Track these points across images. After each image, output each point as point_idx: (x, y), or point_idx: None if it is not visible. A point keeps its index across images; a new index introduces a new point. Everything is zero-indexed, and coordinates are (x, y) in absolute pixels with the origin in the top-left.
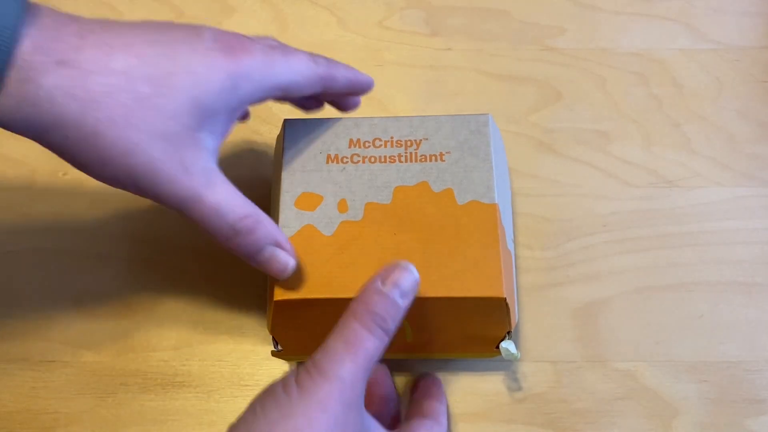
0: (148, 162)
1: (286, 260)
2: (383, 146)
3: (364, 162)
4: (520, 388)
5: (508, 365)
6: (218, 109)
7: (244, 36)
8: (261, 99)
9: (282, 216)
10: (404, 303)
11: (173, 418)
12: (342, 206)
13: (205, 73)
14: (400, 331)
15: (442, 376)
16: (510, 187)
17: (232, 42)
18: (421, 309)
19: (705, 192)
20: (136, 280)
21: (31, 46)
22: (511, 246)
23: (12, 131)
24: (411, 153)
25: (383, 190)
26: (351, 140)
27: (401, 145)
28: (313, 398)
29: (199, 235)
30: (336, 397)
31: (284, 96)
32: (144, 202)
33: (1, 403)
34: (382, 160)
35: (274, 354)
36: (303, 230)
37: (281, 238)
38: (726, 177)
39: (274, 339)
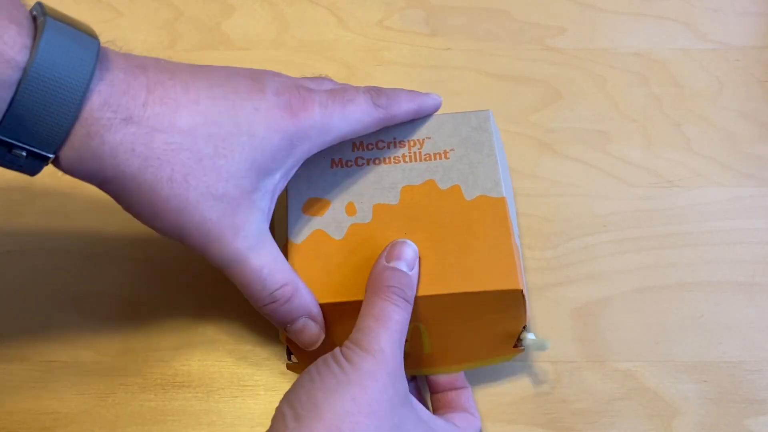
0: (200, 222)
1: (318, 334)
2: (386, 147)
3: (368, 164)
4: (520, 388)
5: (508, 365)
6: (274, 169)
7: (304, 86)
8: (318, 150)
9: (290, 222)
10: (412, 272)
11: (173, 418)
12: (350, 209)
13: (264, 135)
14: (418, 343)
15: None
16: (512, 187)
17: (293, 99)
18: (438, 309)
19: (705, 192)
20: (137, 280)
21: (99, 102)
22: (518, 242)
23: (72, 176)
24: (415, 152)
25: (390, 191)
26: (354, 144)
27: (404, 146)
28: (363, 369)
29: None
30: (381, 367)
31: (343, 140)
32: None
33: (1, 403)
34: (387, 161)
35: (289, 367)
36: (313, 235)
37: (315, 310)
38: (726, 177)
39: (288, 350)
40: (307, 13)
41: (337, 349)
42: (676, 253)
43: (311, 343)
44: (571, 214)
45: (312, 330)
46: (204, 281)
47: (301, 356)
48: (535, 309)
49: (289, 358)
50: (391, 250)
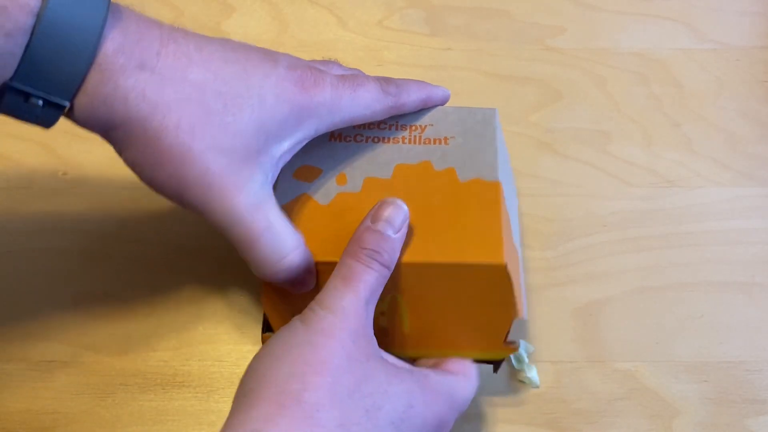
0: (201, 173)
1: (312, 281)
2: (388, 129)
3: (367, 141)
4: (520, 388)
5: (508, 367)
6: (282, 137)
7: (315, 67)
8: (325, 131)
9: (278, 184)
10: (397, 235)
11: (173, 418)
12: (341, 179)
13: (273, 102)
14: (396, 318)
15: None
16: (515, 192)
17: (305, 75)
18: (417, 279)
19: (705, 192)
20: (136, 280)
21: (113, 48)
22: (518, 243)
23: (79, 125)
24: (415, 136)
25: (384, 167)
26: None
27: (406, 129)
28: (317, 328)
29: (199, 236)
30: (339, 326)
31: (351, 125)
32: (143, 203)
33: (1, 403)
34: (386, 141)
35: (264, 340)
36: (298, 199)
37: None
38: (726, 177)
39: (265, 319)
40: (307, 13)
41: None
42: (676, 253)
43: (302, 287)
44: (571, 214)
45: (309, 283)
46: (204, 281)
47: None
48: (535, 309)
49: (266, 330)
50: (378, 210)
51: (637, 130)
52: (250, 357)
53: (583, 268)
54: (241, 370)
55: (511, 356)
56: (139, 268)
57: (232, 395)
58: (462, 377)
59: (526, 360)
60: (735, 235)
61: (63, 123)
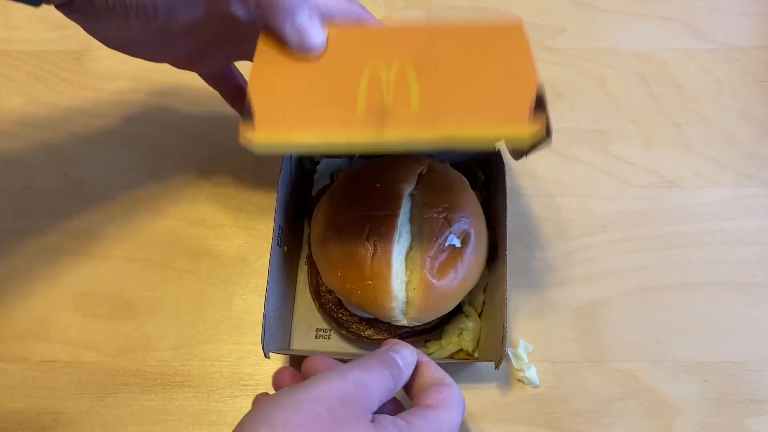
0: None
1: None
2: None
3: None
4: (520, 388)
5: (508, 366)
6: None
7: None
8: None
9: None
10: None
11: (173, 418)
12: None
13: None
14: (403, 94)
15: None
16: None
17: None
18: (430, 46)
19: (705, 192)
20: (136, 280)
21: None
22: None
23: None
24: None
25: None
26: None
27: None
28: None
29: (199, 236)
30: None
31: None
32: (143, 203)
33: (1, 403)
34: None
35: (242, 137)
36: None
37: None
38: (726, 177)
39: (248, 104)
40: None
41: None
42: (676, 253)
43: (311, 47)
44: (571, 214)
45: (318, 33)
46: (204, 281)
47: (263, 114)
48: (536, 309)
49: (246, 116)
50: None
51: (637, 130)
52: (251, 357)
53: (583, 268)
54: (241, 370)
55: (511, 356)
56: (139, 268)
57: (232, 395)
58: (444, 410)
59: (526, 360)
60: (735, 235)
61: (63, 123)
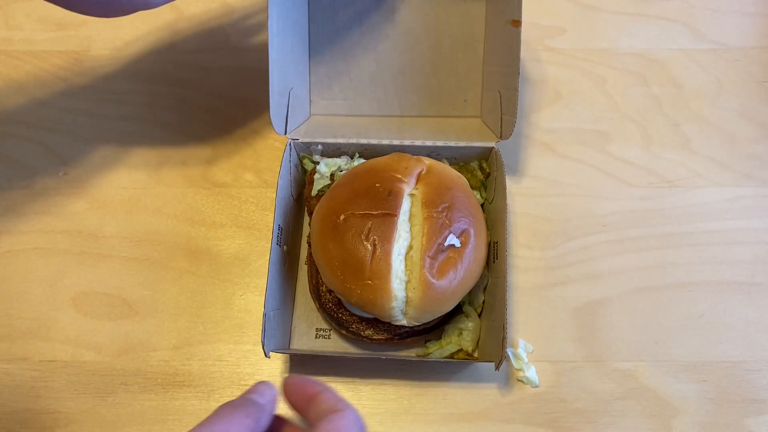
0: None
1: None
2: None
3: None
4: (520, 388)
5: (508, 366)
6: None
7: None
8: None
9: None
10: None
11: (173, 417)
12: None
13: None
14: None
15: (441, 375)
16: None
17: None
18: None
19: (705, 192)
20: (136, 280)
21: None
22: None
23: None
24: None
25: None
26: None
27: None
28: None
29: (198, 236)
30: None
31: None
32: (143, 203)
33: (1, 402)
34: None
35: None
36: None
37: None
38: (726, 177)
39: None
40: None
41: None
42: (676, 253)
43: None
44: (571, 214)
45: None
46: (204, 281)
47: None
48: (535, 309)
49: None
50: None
51: (637, 130)
52: (251, 357)
53: (583, 268)
54: (242, 370)
55: (511, 356)
56: (139, 268)
57: (232, 395)
58: None
59: (526, 360)
60: (735, 235)
61: (63, 123)
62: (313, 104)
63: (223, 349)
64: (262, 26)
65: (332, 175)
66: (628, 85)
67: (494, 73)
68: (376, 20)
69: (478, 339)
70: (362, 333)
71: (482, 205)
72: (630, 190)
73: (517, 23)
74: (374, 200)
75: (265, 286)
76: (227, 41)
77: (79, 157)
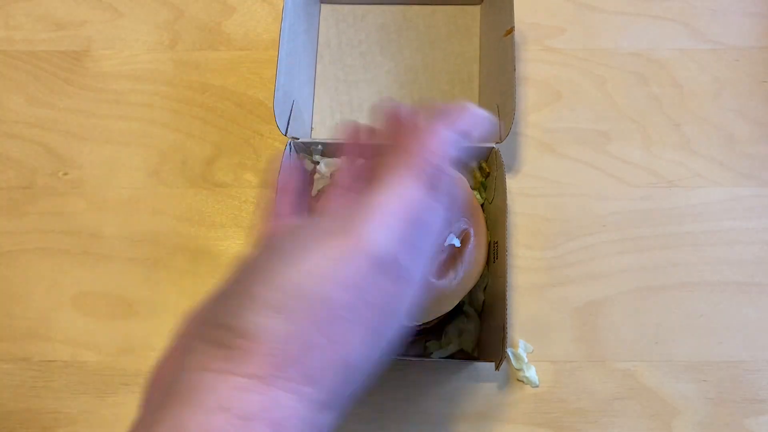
0: None
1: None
2: None
3: None
4: (520, 388)
5: (508, 366)
6: None
7: None
8: None
9: None
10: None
11: None
12: None
13: None
14: None
15: (441, 375)
16: None
17: None
18: None
19: (705, 192)
20: (136, 280)
21: None
22: None
23: None
24: None
25: None
26: None
27: None
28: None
29: (199, 237)
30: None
31: None
32: (143, 203)
33: (1, 402)
34: None
35: None
36: None
37: None
38: (726, 177)
39: None
40: None
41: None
42: (676, 253)
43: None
44: (571, 214)
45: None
46: (204, 281)
47: None
48: (535, 309)
49: None
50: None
51: (637, 130)
52: None
53: (583, 268)
54: None
55: (511, 356)
56: (139, 268)
57: None
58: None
59: (526, 360)
60: (735, 235)
61: (63, 123)
62: (314, 132)
63: None
64: (263, 26)
65: (332, 175)
66: (628, 85)
67: (491, 87)
68: (380, 60)
69: (479, 339)
70: None
71: (482, 205)
72: (630, 190)
73: (510, 31)
74: None
75: None
76: (227, 41)
77: (79, 157)
